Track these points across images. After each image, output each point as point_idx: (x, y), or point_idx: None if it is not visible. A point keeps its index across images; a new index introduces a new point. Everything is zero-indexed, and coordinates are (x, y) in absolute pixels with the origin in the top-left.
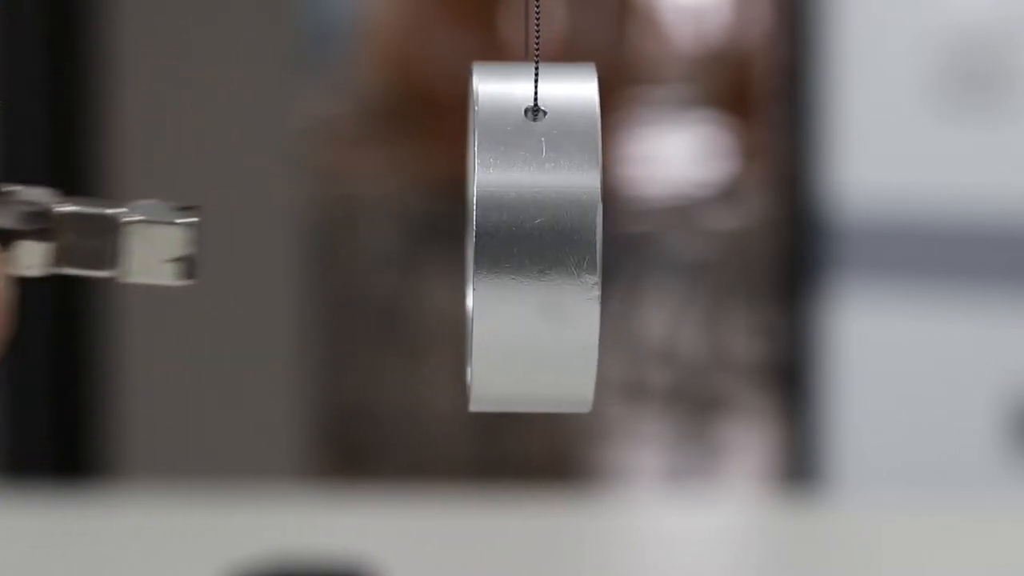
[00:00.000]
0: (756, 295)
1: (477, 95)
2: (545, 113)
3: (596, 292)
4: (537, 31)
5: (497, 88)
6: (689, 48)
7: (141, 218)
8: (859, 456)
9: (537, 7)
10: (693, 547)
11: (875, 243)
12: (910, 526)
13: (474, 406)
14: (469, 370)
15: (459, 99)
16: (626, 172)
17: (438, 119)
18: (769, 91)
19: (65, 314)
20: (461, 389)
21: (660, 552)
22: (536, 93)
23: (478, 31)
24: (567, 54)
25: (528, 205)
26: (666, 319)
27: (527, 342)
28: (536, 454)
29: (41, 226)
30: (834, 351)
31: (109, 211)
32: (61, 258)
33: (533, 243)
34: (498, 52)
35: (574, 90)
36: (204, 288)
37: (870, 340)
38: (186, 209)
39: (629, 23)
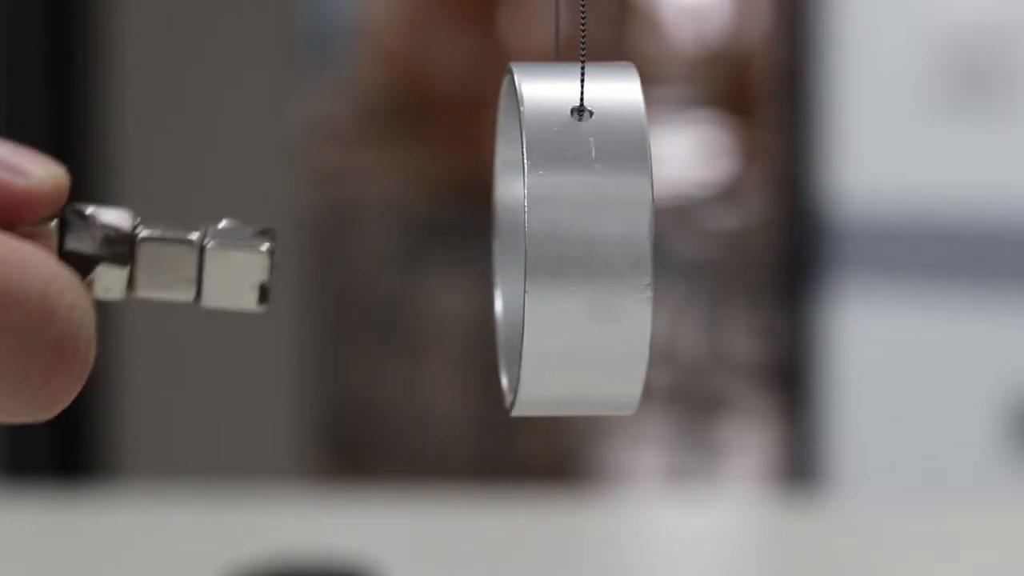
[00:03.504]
0: (756, 295)
1: (522, 96)
2: (592, 113)
3: (649, 293)
4: (583, 31)
5: (541, 88)
6: (689, 48)
7: (222, 244)
8: (859, 456)
9: (583, 7)
10: (693, 547)
11: (875, 243)
12: (910, 526)
13: (517, 411)
14: (506, 375)
15: (459, 99)
16: None
17: (438, 119)
18: (769, 91)
19: None
20: (461, 389)
21: (660, 552)
22: (582, 93)
23: (478, 31)
24: (566, 54)
25: (580, 206)
26: (666, 319)
27: (578, 346)
28: (536, 454)
29: (120, 250)
30: (834, 351)
31: (189, 236)
32: (139, 282)
33: (585, 244)
34: (498, 52)
35: (618, 90)
36: None
37: (870, 340)
38: (264, 233)
39: (629, 23)
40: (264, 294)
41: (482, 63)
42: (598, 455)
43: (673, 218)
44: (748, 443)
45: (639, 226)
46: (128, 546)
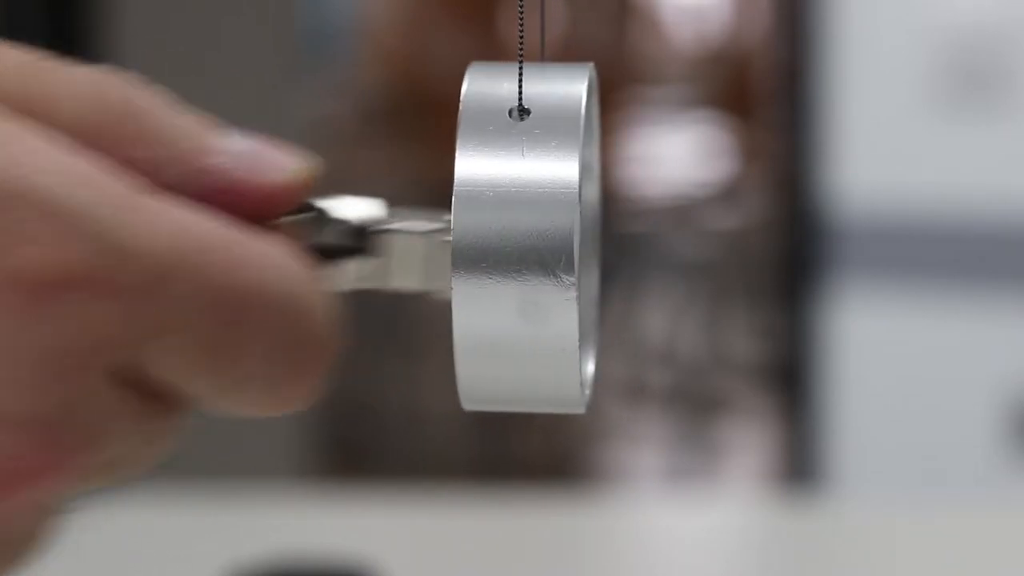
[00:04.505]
0: (756, 295)
1: (463, 95)
2: (530, 113)
3: (574, 292)
4: (520, 30)
5: (484, 88)
6: (689, 48)
7: None
8: (859, 456)
9: (520, 6)
10: (693, 547)
11: (875, 243)
12: (910, 526)
13: (465, 404)
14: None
15: (459, 99)
16: (626, 172)
17: (438, 119)
18: (769, 91)
19: None
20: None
21: (660, 552)
22: (520, 93)
23: (478, 31)
24: (567, 54)
25: (506, 205)
26: (666, 319)
27: (507, 342)
28: (536, 454)
29: (365, 242)
30: (834, 351)
31: (434, 226)
32: (385, 274)
33: (511, 243)
34: (498, 52)
35: (561, 89)
36: None
37: (870, 340)
38: None
39: (629, 23)
40: None
41: None
42: (598, 455)
43: (673, 218)
44: (748, 443)
45: (563, 225)
46: (129, 546)
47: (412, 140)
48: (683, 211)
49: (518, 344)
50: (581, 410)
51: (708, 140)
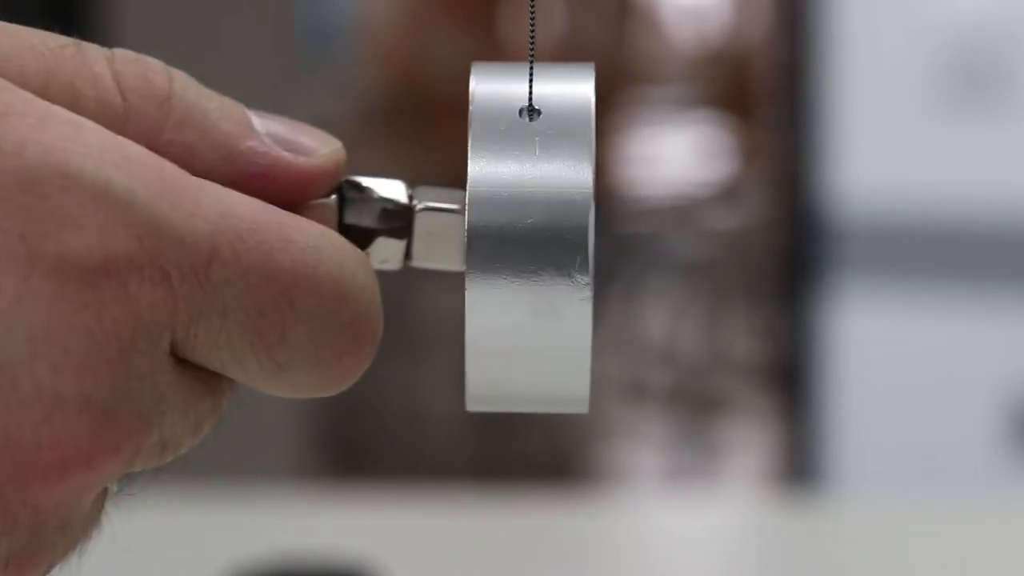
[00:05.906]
0: (756, 295)
1: (472, 95)
2: (540, 113)
3: (588, 292)
4: (532, 31)
5: (493, 88)
6: (689, 48)
7: None
8: (859, 456)
9: (531, 7)
10: (693, 547)
11: (875, 243)
12: (910, 526)
13: (470, 406)
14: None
15: (460, 99)
16: (626, 172)
17: (438, 119)
18: (769, 91)
19: None
20: (461, 389)
21: (660, 552)
22: (531, 93)
23: (478, 31)
24: (567, 54)
25: (520, 204)
26: (666, 319)
27: (520, 342)
28: (536, 454)
29: (397, 223)
30: (834, 351)
31: (461, 205)
32: (415, 254)
33: (525, 243)
34: (498, 52)
35: (569, 90)
36: None
37: (870, 340)
38: None
39: (629, 23)
40: None
41: None
42: (598, 455)
43: (673, 218)
44: (748, 443)
45: (579, 225)
46: (128, 546)
47: (412, 140)
48: (683, 211)
49: (530, 344)
50: (584, 410)
51: (708, 140)
